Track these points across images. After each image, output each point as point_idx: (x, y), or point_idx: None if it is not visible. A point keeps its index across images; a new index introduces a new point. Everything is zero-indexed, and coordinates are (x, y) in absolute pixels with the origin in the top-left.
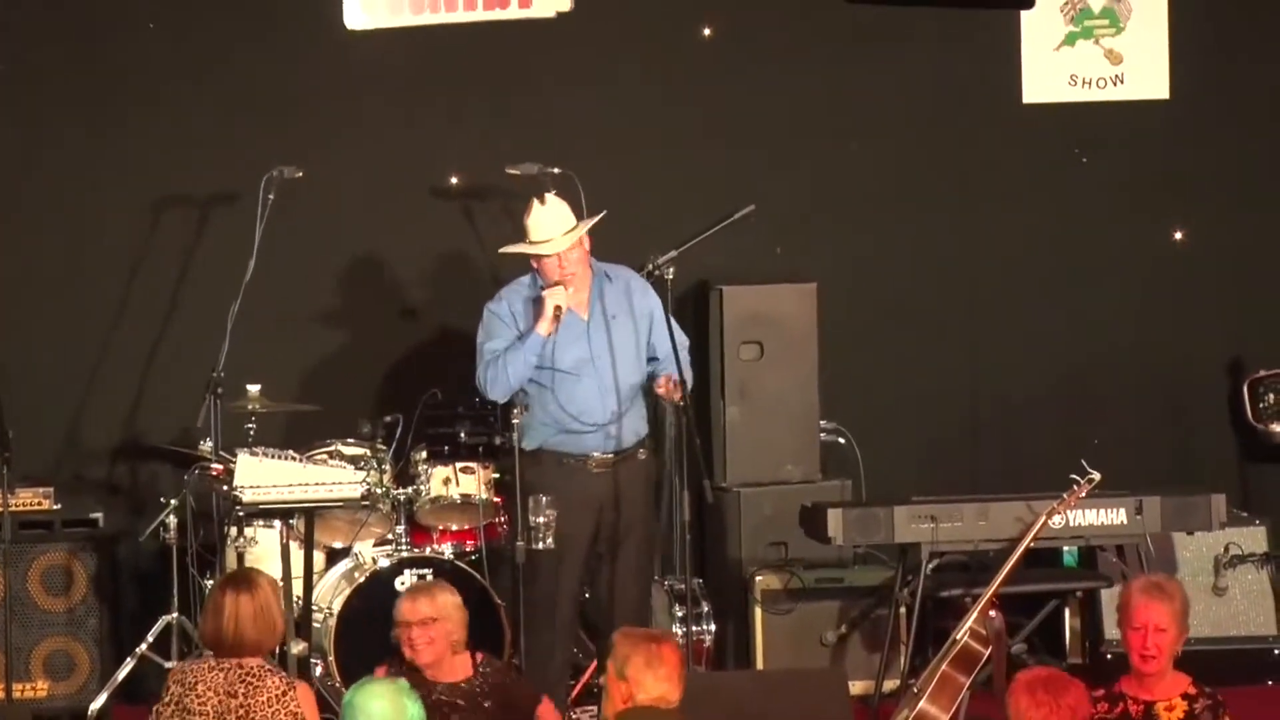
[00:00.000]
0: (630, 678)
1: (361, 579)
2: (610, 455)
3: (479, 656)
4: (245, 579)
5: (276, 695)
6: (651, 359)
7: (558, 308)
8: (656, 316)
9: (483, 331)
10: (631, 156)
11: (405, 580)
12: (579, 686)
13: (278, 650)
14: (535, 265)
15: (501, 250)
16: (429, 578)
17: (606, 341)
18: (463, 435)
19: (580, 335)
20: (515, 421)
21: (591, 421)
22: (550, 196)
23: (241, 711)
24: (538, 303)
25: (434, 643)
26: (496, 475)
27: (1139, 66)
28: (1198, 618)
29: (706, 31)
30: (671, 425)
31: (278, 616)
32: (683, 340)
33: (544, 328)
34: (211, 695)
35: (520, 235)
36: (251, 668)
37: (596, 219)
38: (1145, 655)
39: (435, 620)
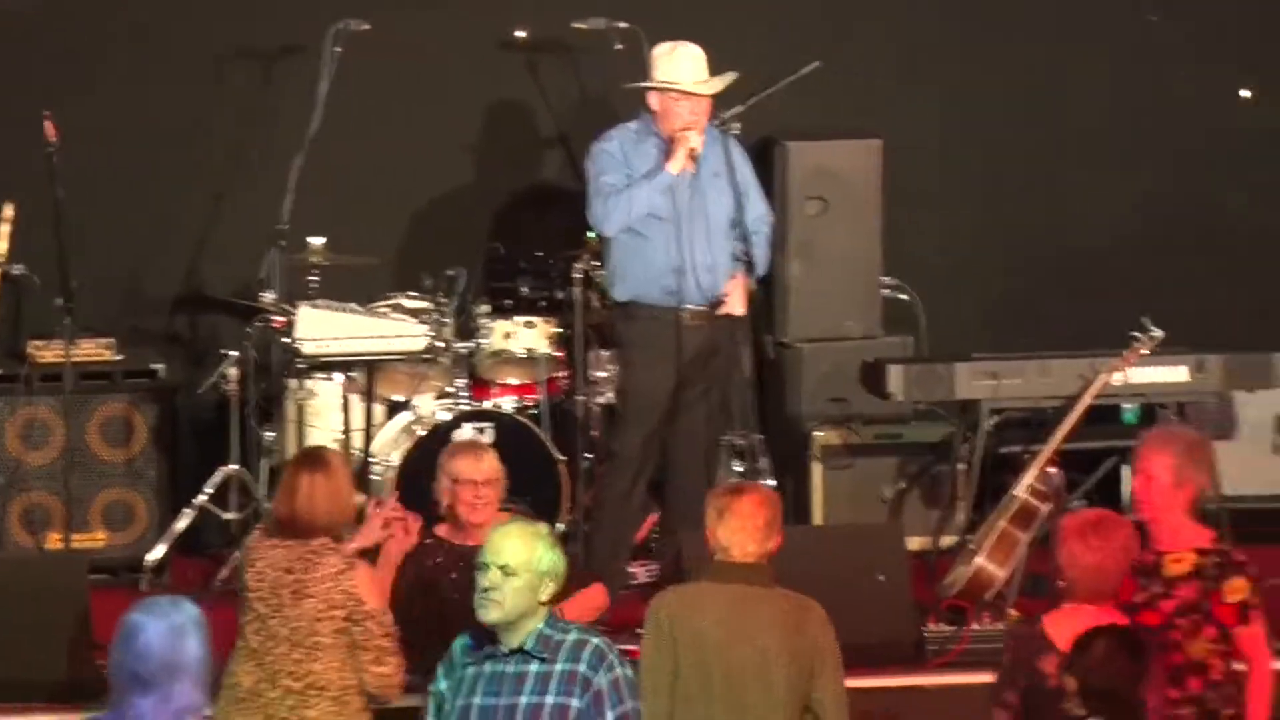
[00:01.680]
0: (710, 531)
1: (421, 432)
2: (705, 308)
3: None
4: (320, 458)
5: (333, 573)
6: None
7: (692, 150)
8: (751, 188)
9: (593, 165)
10: (697, 13)
11: (464, 434)
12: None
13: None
14: (658, 108)
15: (640, 85)
16: (486, 433)
17: (709, 197)
18: (525, 289)
19: (685, 187)
20: (602, 272)
21: (688, 274)
22: (686, 42)
23: (296, 586)
24: (671, 142)
25: (492, 503)
26: (558, 330)
27: None
28: (1257, 475)
29: None
30: None
31: (350, 497)
32: (769, 215)
33: (675, 166)
34: (269, 571)
35: (643, 74)
36: (314, 546)
37: (734, 77)
38: (1136, 499)
39: (497, 480)
